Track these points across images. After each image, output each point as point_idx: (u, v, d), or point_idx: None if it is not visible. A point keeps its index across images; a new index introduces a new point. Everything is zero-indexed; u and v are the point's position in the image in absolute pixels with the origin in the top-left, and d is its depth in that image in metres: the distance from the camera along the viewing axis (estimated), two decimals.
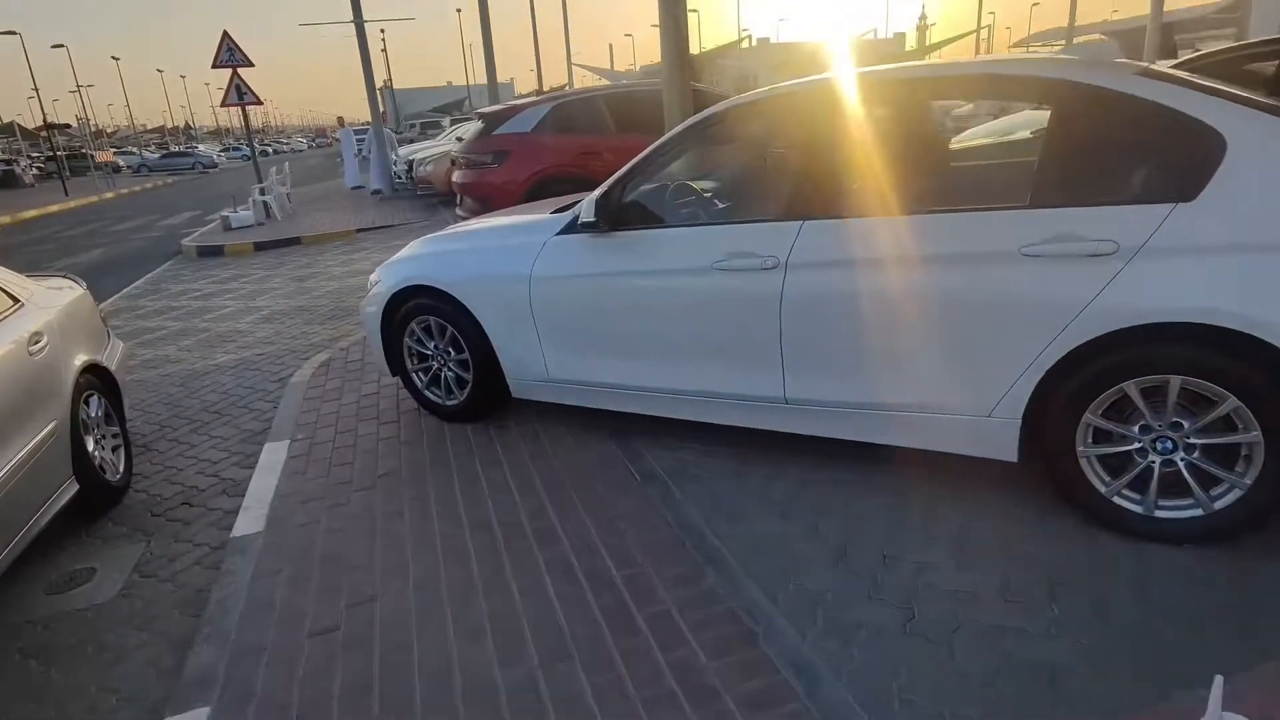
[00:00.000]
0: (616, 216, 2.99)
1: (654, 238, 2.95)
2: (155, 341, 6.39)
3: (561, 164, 7.27)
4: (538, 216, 3.49)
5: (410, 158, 15.55)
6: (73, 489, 3.12)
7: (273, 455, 3.61)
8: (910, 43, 40.41)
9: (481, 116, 7.73)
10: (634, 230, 2.98)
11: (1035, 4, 65.89)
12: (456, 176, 7.67)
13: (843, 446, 2.79)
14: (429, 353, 3.69)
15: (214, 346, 6.04)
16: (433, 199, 14.36)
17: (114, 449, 3.70)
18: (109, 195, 28.56)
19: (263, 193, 14.03)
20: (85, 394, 3.45)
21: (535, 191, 7.25)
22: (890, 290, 2.42)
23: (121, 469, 3.67)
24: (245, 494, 3.25)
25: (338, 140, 21.58)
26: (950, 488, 2.65)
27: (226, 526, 3.05)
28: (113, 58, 64.63)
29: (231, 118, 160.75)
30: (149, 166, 48.02)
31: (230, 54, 13.17)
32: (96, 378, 3.63)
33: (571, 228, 3.12)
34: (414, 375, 3.80)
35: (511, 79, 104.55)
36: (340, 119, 23.99)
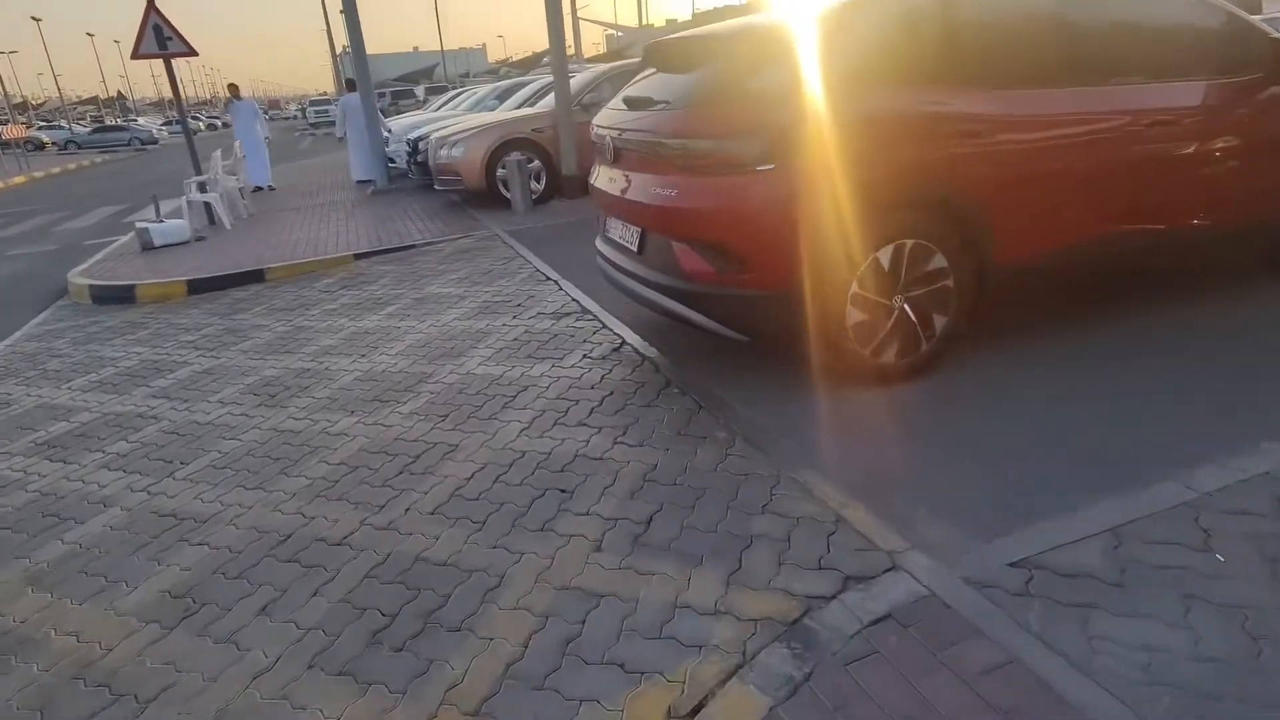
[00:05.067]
0: None
1: None
2: None
3: (962, 173, 3.08)
4: None
5: (413, 136, 11.04)
6: None
7: None
8: None
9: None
10: None
11: None
12: (634, 185, 3.36)
13: None
14: None
15: None
16: (455, 196, 9.91)
17: None
18: (18, 180, 23.36)
19: (203, 188, 9.47)
20: None
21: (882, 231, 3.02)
22: None
23: None
24: None
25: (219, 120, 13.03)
26: None
27: None
28: (33, 19, 57.35)
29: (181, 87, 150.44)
30: (78, 143, 42.29)
31: None
32: None
33: None
34: None
35: (483, 44, 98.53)
36: (233, 87, 13.85)
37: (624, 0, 65.48)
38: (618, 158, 3.53)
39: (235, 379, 4.41)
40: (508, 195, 8.74)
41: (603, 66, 10.02)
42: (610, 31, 41.72)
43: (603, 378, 3.69)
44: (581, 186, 8.91)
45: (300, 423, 3.67)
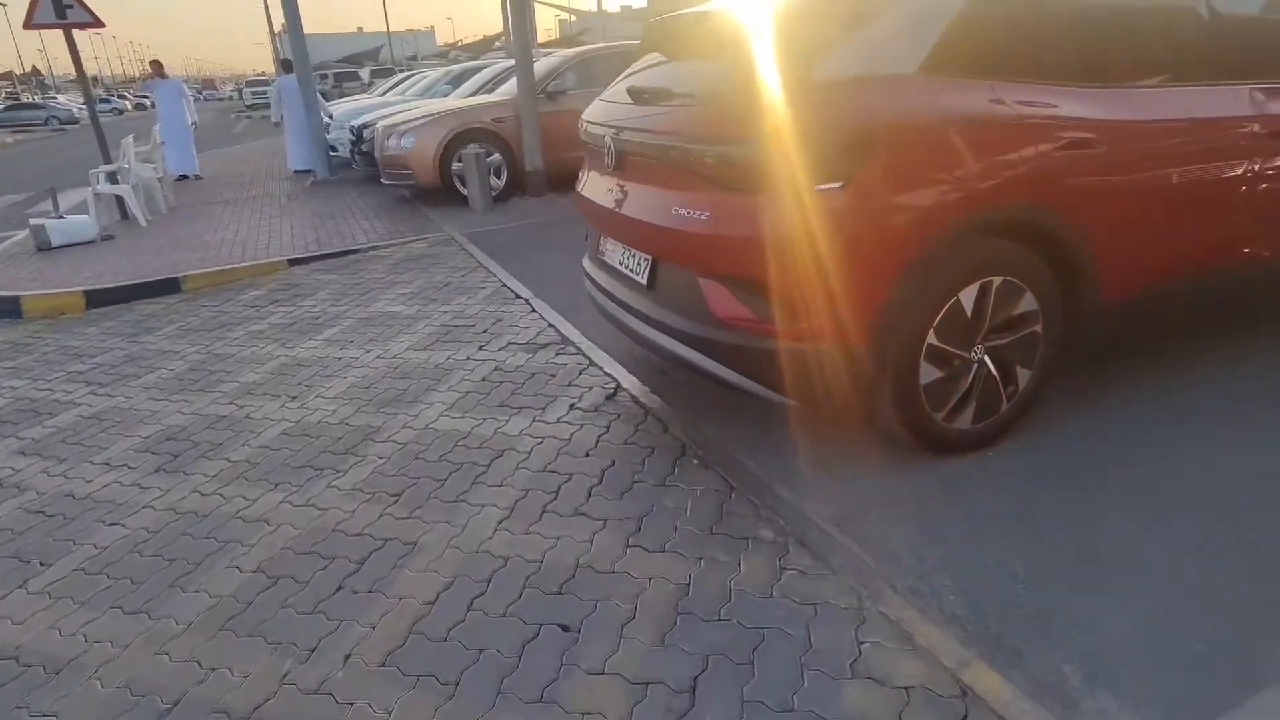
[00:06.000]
0: None
1: None
2: None
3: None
4: None
5: (358, 122, 10.05)
6: None
7: None
8: None
9: None
10: None
11: None
12: (643, 201, 2.62)
13: None
14: None
15: None
16: (405, 191, 8.98)
17: None
18: None
19: (114, 179, 8.36)
20: None
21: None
22: None
23: None
24: None
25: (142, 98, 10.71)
26: None
27: None
28: None
29: (105, 62, 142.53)
30: None
31: None
32: None
33: None
34: None
35: (431, 26, 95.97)
36: (155, 63, 11.66)
37: None
38: (619, 164, 2.77)
39: (131, 428, 3.53)
40: (464, 192, 7.88)
41: (569, 51, 9.19)
42: (563, 15, 40.61)
43: (599, 440, 2.95)
44: (547, 183, 8.13)
45: (208, 500, 2.84)
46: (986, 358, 2.55)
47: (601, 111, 3.00)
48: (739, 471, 2.62)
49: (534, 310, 4.56)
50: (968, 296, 2.43)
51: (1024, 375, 2.64)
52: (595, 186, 3.03)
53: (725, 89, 2.35)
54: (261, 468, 3.03)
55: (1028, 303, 2.54)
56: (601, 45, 8.95)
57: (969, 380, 2.55)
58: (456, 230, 6.93)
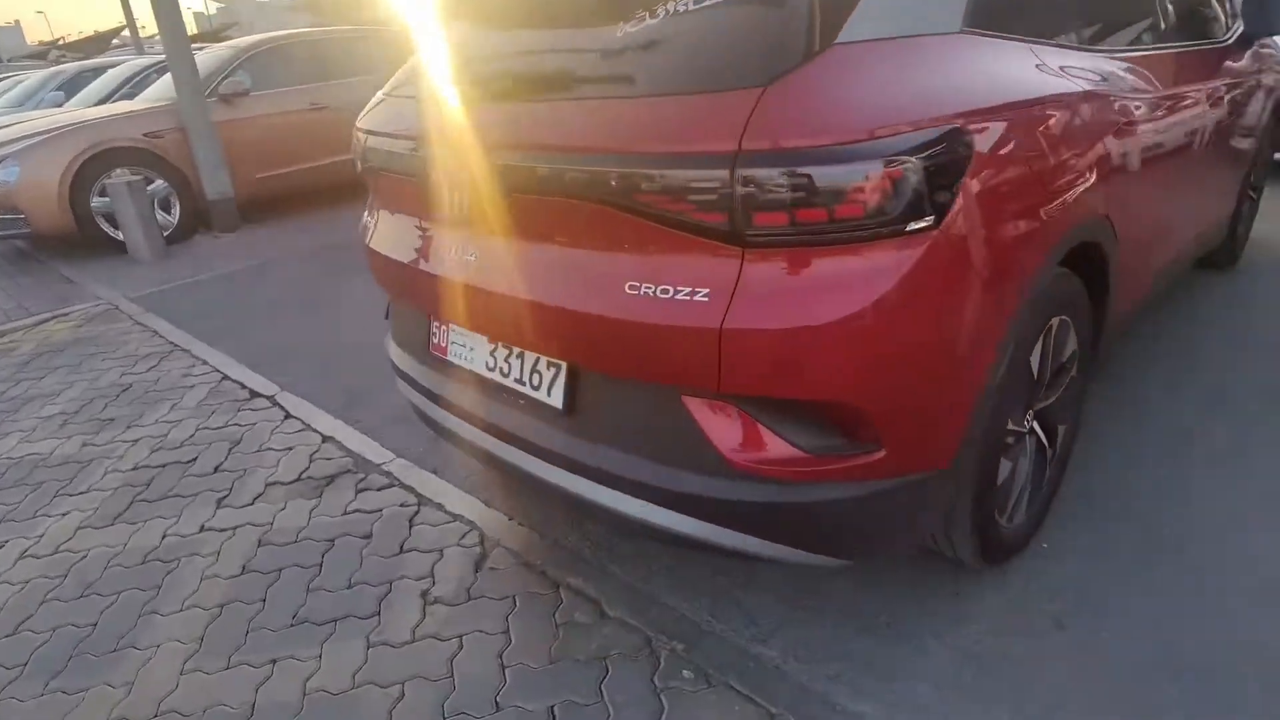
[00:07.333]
0: None
1: None
2: None
3: None
4: None
5: None
6: None
7: None
8: None
9: None
10: None
11: None
12: (539, 269, 1.48)
13: None
14: None
15: None
16: (19, 243, 6.40)
17: None
18: None
19: None
20: None
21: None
22: None
23: None
24: None
25: None
26: None
27: None
28: None
29: None
30: None
31: None
32: None
33: None
34: None
35: (15, 21, 78.27)
36: None
37: None
38: (475, 207, 1.59)
39: None
40: (118, 236, 5.71)
41: (243, 40, 7.14)
42: (198, 9, 35.34)
43: (501, 660, 1.76)
44: (239, 212, 6.24)
45: None
46: (1036, 424, 1.87)
47: (402, 117, 1.76)
48: (763, 677, 1.64)
49: (289, 415, 3.08)
50: (1035, 353, 1.70)
51: (1062, 432, 2.02)
52: (403, 239, 1.80)
53: (714, 65, 1.30)
54: None
55: (1071, 344, 1.90)
56: (285, 33, 7.12)
57: (1026, 462, 1.85)
58: (119, 293, 4.89)
